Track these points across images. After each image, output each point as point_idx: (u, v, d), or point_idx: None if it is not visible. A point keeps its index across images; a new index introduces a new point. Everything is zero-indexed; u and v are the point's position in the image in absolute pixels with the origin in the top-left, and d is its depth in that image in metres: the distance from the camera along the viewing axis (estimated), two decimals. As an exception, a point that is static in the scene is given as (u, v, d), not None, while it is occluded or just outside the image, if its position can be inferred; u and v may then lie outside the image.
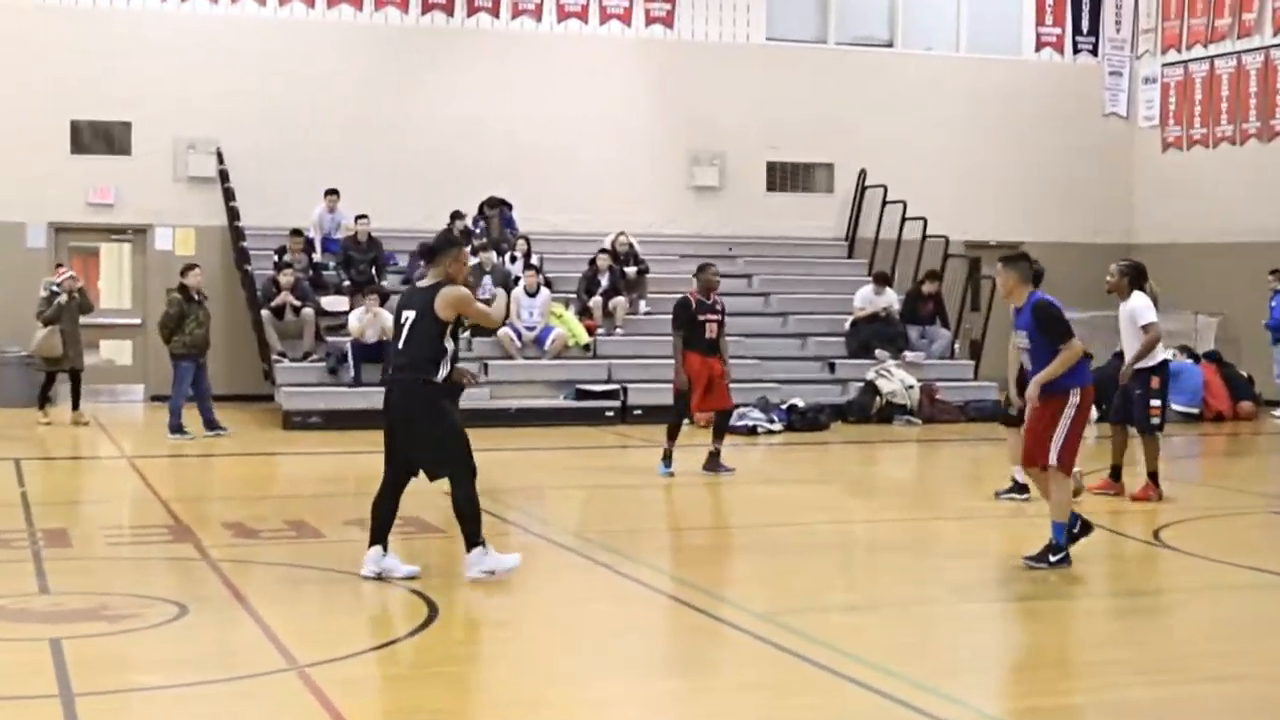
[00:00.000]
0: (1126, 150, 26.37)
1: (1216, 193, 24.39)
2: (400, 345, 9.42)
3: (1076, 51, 26.30)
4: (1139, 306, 13.07)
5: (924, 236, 23.55)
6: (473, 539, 9.51)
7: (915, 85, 25.18)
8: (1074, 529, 10.11)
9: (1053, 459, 9.95)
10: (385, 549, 9.63)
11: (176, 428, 17.41)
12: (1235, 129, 24.38)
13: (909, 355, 21.69)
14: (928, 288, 22.44)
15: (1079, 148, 25.98)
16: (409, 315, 9.40)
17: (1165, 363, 13.33)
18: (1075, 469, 10.74)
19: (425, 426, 9.34)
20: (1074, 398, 9.97)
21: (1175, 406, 21.23)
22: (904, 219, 23.79)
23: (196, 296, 17.59)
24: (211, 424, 17.66)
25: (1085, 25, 26.24)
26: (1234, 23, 24.32)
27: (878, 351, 21.54)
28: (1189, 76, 25.26)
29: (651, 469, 15.23)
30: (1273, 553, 11.03)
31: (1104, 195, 26.11)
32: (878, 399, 20.69)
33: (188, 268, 17.98)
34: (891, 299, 22.29)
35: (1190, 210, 24.89)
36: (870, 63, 25.17)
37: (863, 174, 24.61)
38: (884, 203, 24.24)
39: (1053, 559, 9.97)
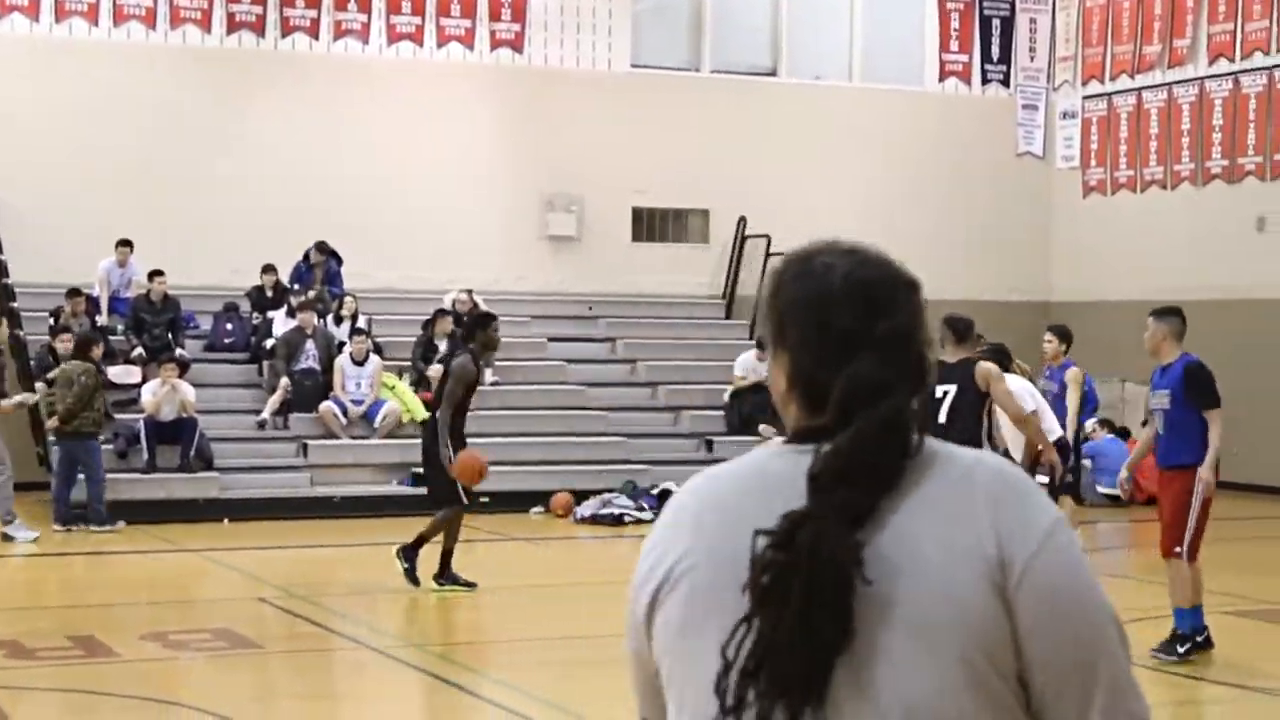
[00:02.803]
0: (1044, 195, 27.02)
1: (1146, 244, 25.04)
2: (942, 420, 11.12)
3: (986, 82, 26.96)
4: (1014, 392, 13.15)
5: (814, 294, 23.90)
6: None
7: (802, 120, 25.62)
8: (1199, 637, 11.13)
9: (1185, 550, 10.96)
10: None
11: (104, 518, 17.95)
12: (1166, 171, 25.09)
13: (798, 432, 21.98)
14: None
15: (989, 192, 26.57)
16: (949, 389, 11.23)
17: (1059, 442, 13.74)
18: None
19: None
20: (1201, 477, 10.92)
21: (1100, 489, 21.77)
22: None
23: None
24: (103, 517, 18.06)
25: (996, 52, 26.92)
26: (1164, 50, 25.09)
27: (762, 427, 21.79)
28: (1113, 111, 25.99)
29: (502, 566, 15.25)
30: (1224, 665, 11.27)
31: (1019, 246, 26.71)
32: (763, 483, 20.89)
33: (92, 341, 18.56)
34: (778, 366, 22.59)
35: (1116, 264, 25.53)
36: (750, 94, 25.58)
37: (742, 222, 24.97)
38: (767, 254, 24.56)
39: (1181, 650, 10.95)
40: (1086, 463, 22.33)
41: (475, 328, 14.00)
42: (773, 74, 26.06)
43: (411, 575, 13.78)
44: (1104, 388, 24.18)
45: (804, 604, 2.15)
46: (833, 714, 2.18)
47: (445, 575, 13.89)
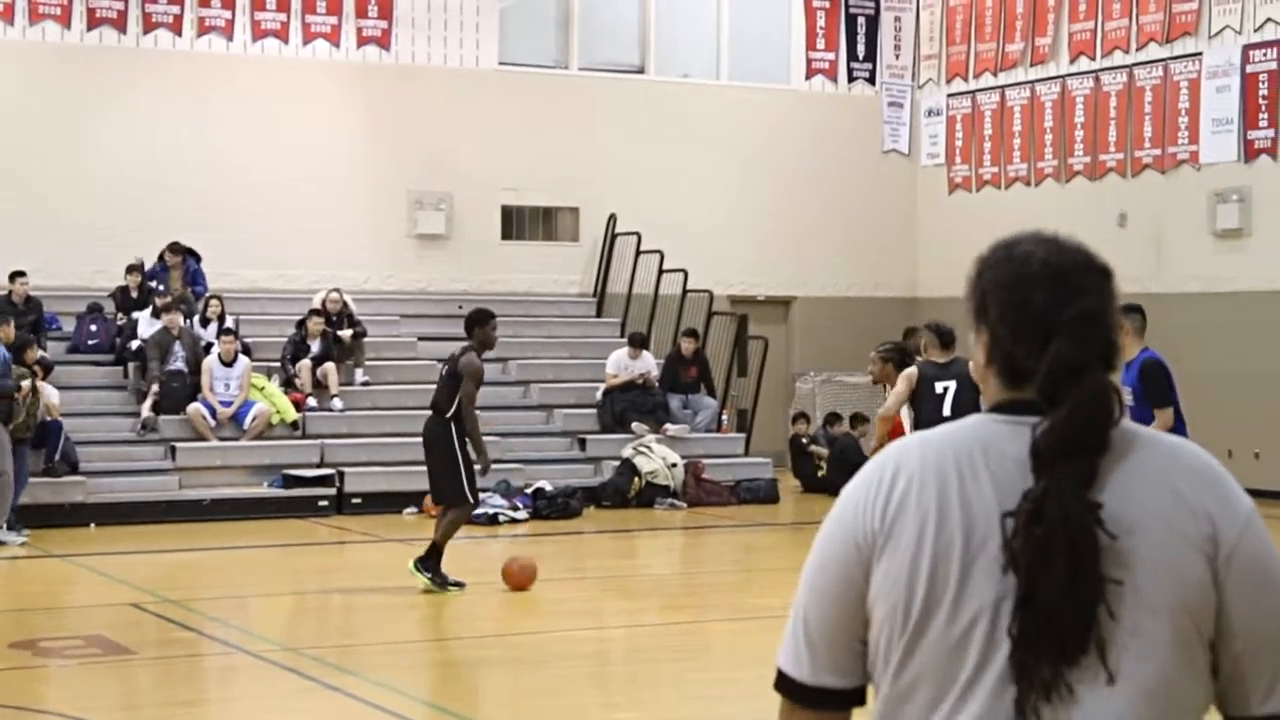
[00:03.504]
0: (909, 192, 27.33)
1: (1009, 240, 25.35)
2: (947, 414, 11.80)
3: (852, 80, 27.21)
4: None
5: (684, 291, 24.04)
6: None
7: (670, 118, 25.73)
8: None
9: None
10: None
11: (14, 525, 17.60)
12: (1030, 168, 25.47)
13: (670, 428, 22.08)
14: (686, 347, 22.90)
15: (856, 189, 26.82)
16: (949, 385, 12.11)
17: None
18: None
19: None
20: None
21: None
22: (661, 271, 24.25)
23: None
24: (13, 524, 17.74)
25: (862, 50, 27.18)
26: (1027, 49, 25.47)
27: (635, 425, 21.88)
28: (977, 109, 26.35)
29: (376, 567, 15.23)
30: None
31: (885, 243, 26.98)
32: (636, 480, 21.00)
33: (28, 345, 18.34)
34: (649, 364, 22.68)
35: (981, 260, 25.86)
36: (619, 92, 25.66)
37: (612, 219, 25.02)
38: (638, 252, 24.67)
39: None
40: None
41: (474, 325, 14.08)
42: (641, 71, 26.14)
43: (440, 582, 13.86)
44: (971, 382, 24.52)
45: (1068, 568, 2.46)
46: (1088, 662, 2.49)
47: (427, 564, 13.92)
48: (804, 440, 23.09)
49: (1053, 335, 2.57)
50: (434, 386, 22.12)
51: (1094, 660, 2.48)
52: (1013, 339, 2.61)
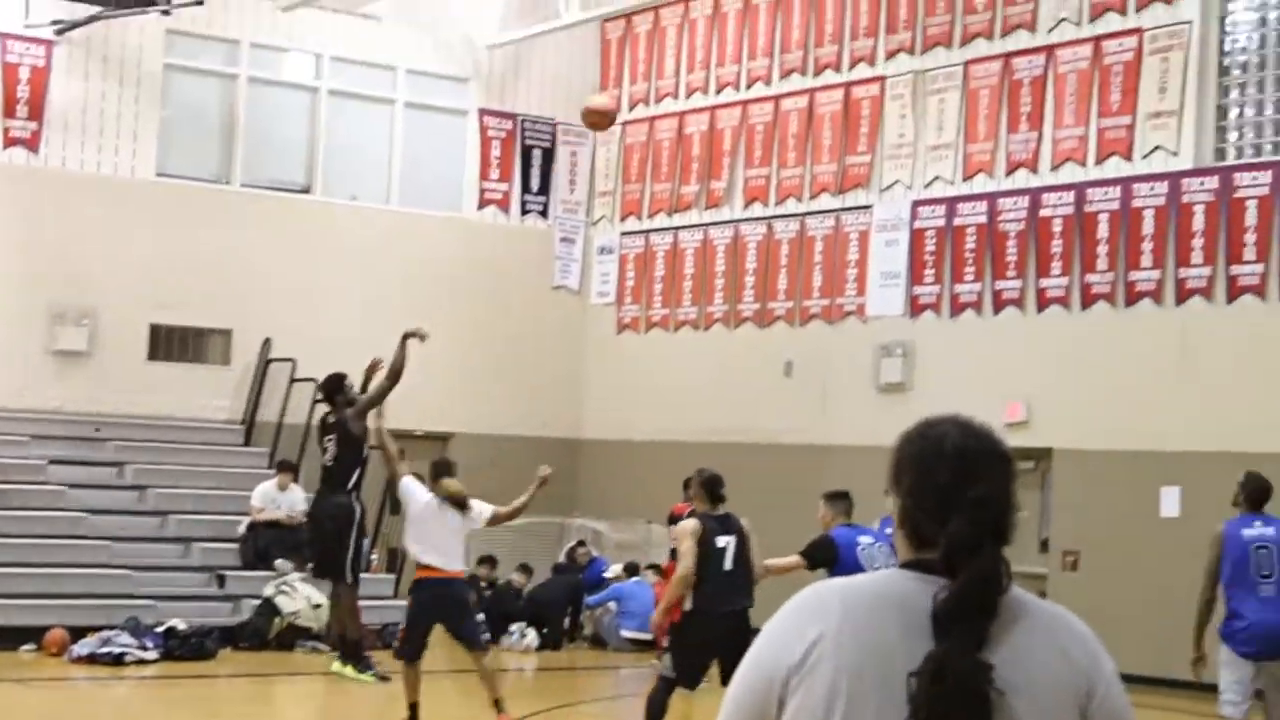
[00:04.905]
0: (578, 330, 27.63)
1: (677, 384, 25.82)
2: (729, 568, 12.50)
3: (525, 212, 27.49)
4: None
5: (339, 422, 23.85)
6: None
7: (335, 241, 25.63)
8: None
9: None
10: None
11: None
12: (700, 312, 26.00)
13: (316, 567, 21.85)
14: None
15: (524, 324, 27.01)
16: (730, 541, 12.55)
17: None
18: None
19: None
20: None
21: (625, 634, 22.28)
22: (315, 400, 24.02)
23: None
24: None
25: (536, 183, 27.51)
26: (702, 191, 26.09)
27: (279, 562, 21.57)
28: (650, 249, 26.85)
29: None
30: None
31: (551, 381, 27.19)
32: (277, 620, 20.71)
33: None
34: (298, 498, 22.43)
35: (646, 402, 26.24)
36: (282, 211, 25.48)
37: (267, 344, 24.78)
38: (292, 379, 24.45)
39: None
40: (612, 605, 22.88)
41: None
42: (307, 191, 26.04)
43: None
44: (630, 528, 24.83)
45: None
46: None
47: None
48: (483, 585, 22.95)
49: (952, 513, 3.00)
50: (63, 514, 21.72)
51: None
52: (916, 508, 3.08)
